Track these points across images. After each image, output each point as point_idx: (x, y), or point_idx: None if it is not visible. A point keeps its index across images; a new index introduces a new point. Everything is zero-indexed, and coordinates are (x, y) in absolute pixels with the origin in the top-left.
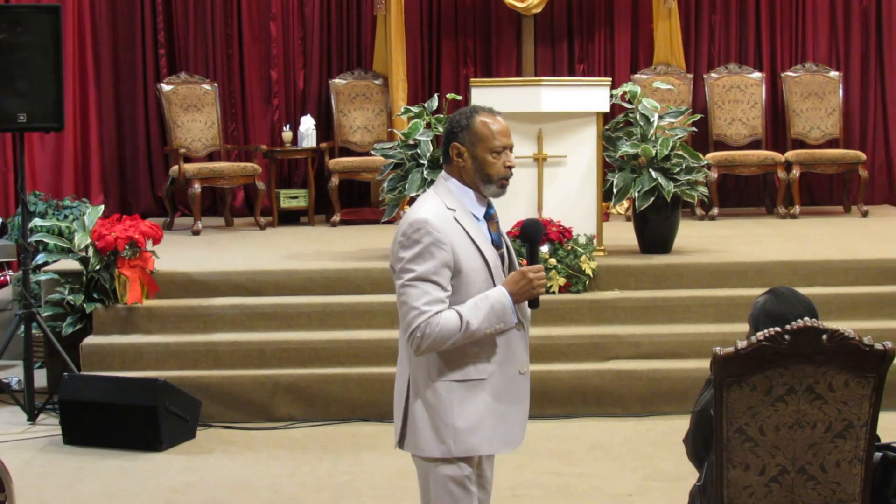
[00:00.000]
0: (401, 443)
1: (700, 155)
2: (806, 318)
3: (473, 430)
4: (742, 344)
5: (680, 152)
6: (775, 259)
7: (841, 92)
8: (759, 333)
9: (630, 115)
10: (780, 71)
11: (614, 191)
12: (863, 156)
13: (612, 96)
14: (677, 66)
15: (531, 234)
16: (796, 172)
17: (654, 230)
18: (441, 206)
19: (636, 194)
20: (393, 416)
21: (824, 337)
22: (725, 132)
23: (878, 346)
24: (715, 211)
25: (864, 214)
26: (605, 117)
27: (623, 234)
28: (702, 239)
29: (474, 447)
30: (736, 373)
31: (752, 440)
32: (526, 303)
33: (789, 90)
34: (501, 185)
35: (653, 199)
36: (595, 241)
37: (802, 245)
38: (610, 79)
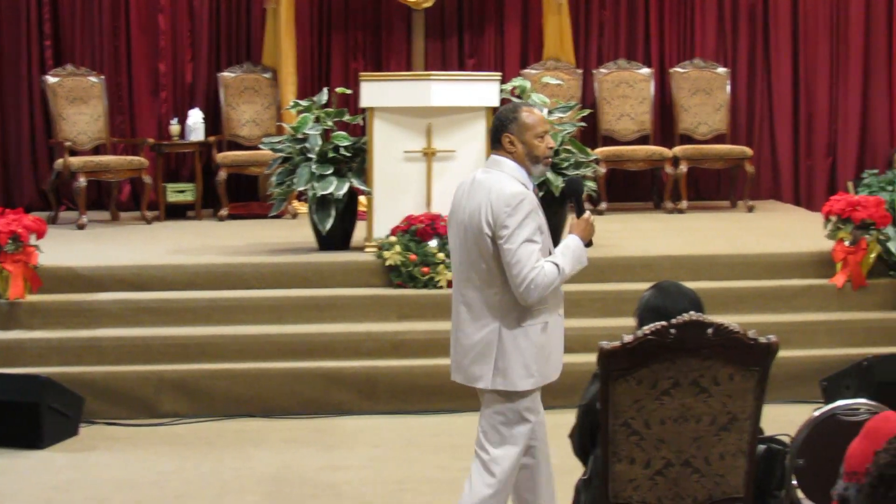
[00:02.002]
0: (491, 382)
1: (588, 150)
2: (691, 313)
3: (548, 361)
4: (628, 338)
5: (569, 147)
6: (662, 253)
7: (728, 88)
8: (645, 328)
9: None
10: (669, 67)
11: None
12: (749, 151)
13: (501, 91)
14: (567, 62)
15: (575, 188)
16: (683, 167)
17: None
18: (515, 181)
19: None
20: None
21: (709, 331)
22: (614, 127)
23: (763, 339)
24: (603, 205)
25: (750, 209)
26: (495, 112)
27: None
28: None
29: (550, 375)
30: (622, 367)
31: (638, 434)
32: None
33: (677, 86)
34: (546, 163)
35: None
36: None
37: (689, 239)
38: (500, 73)
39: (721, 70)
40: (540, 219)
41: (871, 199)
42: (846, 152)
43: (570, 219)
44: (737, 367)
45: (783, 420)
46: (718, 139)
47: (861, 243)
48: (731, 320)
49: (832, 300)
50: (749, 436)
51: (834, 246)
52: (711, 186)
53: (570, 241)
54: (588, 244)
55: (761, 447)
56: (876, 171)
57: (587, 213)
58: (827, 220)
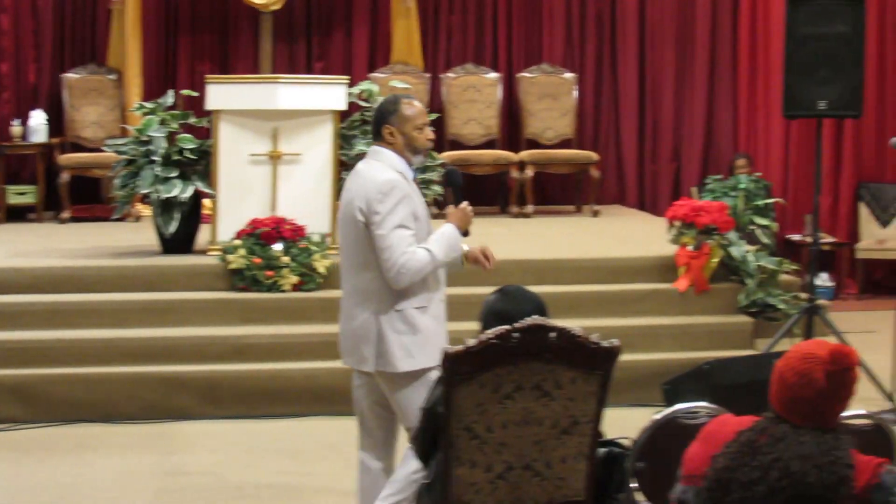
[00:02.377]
0: (374, 364)
1: (435, 154)
2: (535, 317)
3: (428, 343)
4: (471, 342)
5: None
6: (507, 258)
7: (575, 93)
8: (489, 331)
9: (367, 113)
10: (516, 72)
11: None
12: (595, 156)
13: (349, 95)
14: (415, 66)
15: (454, 179)
16: (530, 172)
17: None
18: (391, 169)
19: None
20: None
21: (552, 335)
22: (461, 132)
23: (605, 343)
24: (450, 209)
25: (596, 214)
26: (342, 116)
27: None
28: None
29: (436, 356)
30: (465, 371)
31: (480, 437)
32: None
33: (524, 91)
34: (426, 153)
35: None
36: (329, 240)
37: (534, 244)
38: (347, 77)
39: (568, 75)
40: (414, 206)
41: (714, 204)
42: (690, 158)
43: (449, 208)
44: (579, 370)
45: (625, 423)
46: (565, 144)
47: (704, 248)
48: (574, 324)
49: (675, 304)
50: (590, 439)
51: (677, 250)
52: (557, 191)
53: (446, 228)
54: (465, 233)
55: (602, 450)
56: (720, 176)
57: (464, 203)
58: (671, 224)
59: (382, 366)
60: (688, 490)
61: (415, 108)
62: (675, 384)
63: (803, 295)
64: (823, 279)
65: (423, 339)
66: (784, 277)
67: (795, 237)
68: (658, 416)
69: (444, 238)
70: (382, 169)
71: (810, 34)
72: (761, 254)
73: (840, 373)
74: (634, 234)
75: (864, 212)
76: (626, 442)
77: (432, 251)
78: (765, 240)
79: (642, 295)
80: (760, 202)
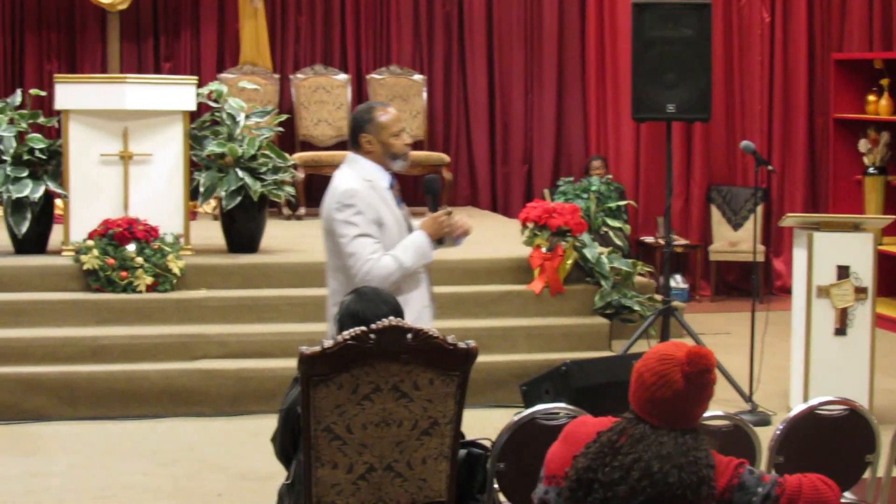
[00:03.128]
0: None
1: (286, 155)
2: (391, 318)
3: None
4: (328, 343)
5: (266, 152)
6: None
7: (425, 95)
8: (345, 333)
9: (216, 114)
10: (366, 73)
11: (201, 190)
12: (446, 158)
13: (198, 95)
14: (264, 67)
15: (432, 188)
16: None
17: (242, 229)
18: (360, 178)
19: (223, 193)
20: None
21: (409, 336)
22: (312, 133)
23: (462, 344)
24: (302, 211)
25: (449, 215)
26: (192, 116)
27: (210, 233)
28: (289, 238)
29: None
30: (322, 372)
31: (340, 438)
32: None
33: (374, 92)
34: (406, 158)
35: (240, 198)
36: (182, 241)
37: None
38: (196, 77)
39: (417, 77)
40: (379, 213)
41: (566, 206)
42: (542, 160)
43: (426, 214)
44: (437, 372)
45: (484, 424)
46: (416, 146)
47: (557, 250)
48: (432, 326)
49: (530, 306)
50: (450, 440)
51: (531, 252)
52: (410, 193)
53: (416, 235)
54: (439, 241)
55: (463, 451)
56: (571, 178)
57: (440, 212)
58: (524, 226)
59: None
60: (549, 490)
61: (389, 114)
62: (533, 385)
63: (658, 297)
64: (677, 281)
65: None
66: (638, 279)
67: (648, 239)
68: (517, 417)
69: (412, 245)
70: (348, 178)
71: (657, 38)
72: (615, 255)
73: (697, 374)
74: (488, 236)
75: (715, 214)
76: (486, 443)
77: (399, 257)
78: (618, 242)
79: (498, 296)
80: (612, 204)
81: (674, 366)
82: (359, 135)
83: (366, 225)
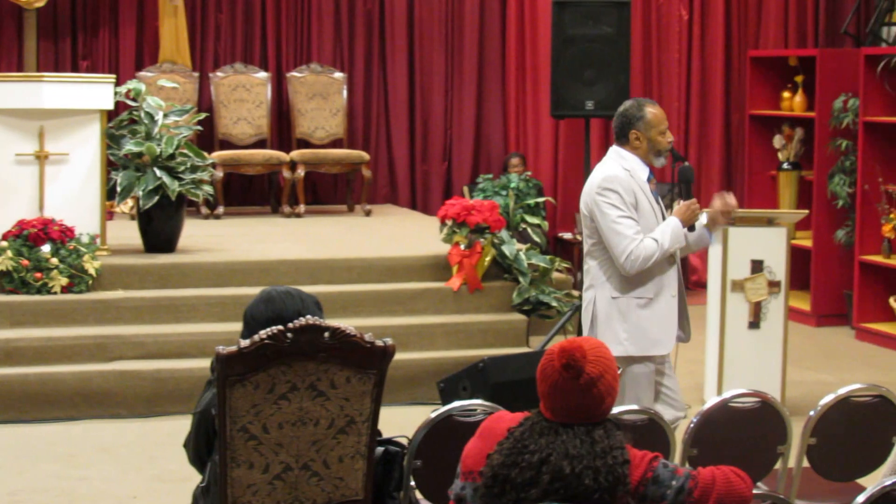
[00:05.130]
0: None
1: (205, 154)
2: (308, 317)
3: (645, 335)
4: (245, 343)
5: (185, 151)
6: (280, 258)
7: (345, 93)
8: (262, 332)
9: (135, 112)
10: (286, 71)
11: (118, 189)
12: (366, 156)
13: (116, 94)
14: (183, 65)
15: (686, 176)
16: (301, 172)
17: (159, 229)
18: (621, 168)
19: (140, 193)
20: None
21: (326, 334)
22: (231, 131)
23: (379, 342)
24: (220, 210)
25: (368, 213)
26: (110, 115)
27: (127, 232)
28: (207, 238)
29: (647, 349)
30: (239, 372)
31: (256, 438)
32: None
33: (294, 90)
34: (667, 155)
35: (157, 197)
36: (98, 241)
37: (307, 244)
38: (114, 76)
39: (338, 75)
40: (638, 199)
41: (485, 203)
42: (461, 157)
43: (678, 202)
44: (354, 370)
45: (401, 422)
46: (336, 144)
47: (476, 247)
48: (349, 324)
49: (448, 303)
50: (367, 438)
51: (450, 249)
52: (329, 191)
53: (670, 220)
54: (691, 228)
55: (380, 449)
56: (491, 175)
57: (692, 200)
58: (443, 223)
59: None
60: (466, 486)
61: (658, 112)
62: (450, 382)
63: (576, 292)
64: None
65: (634, 328)
66: (556, 275)
67: (566, 236)
68: (434, 414)
69: (668, 228)
70: (609, 166)
71: (576, 35)
72: (533, 252)
73: (570, 368)
74: (407, 234)
75: None
76: (403, 440)
77: (658, 240)
78: (536, 238)
79: (416, 294)
80: (531, 201)
81: (551, 360)
82: (629, 130)
83: (627, 208)
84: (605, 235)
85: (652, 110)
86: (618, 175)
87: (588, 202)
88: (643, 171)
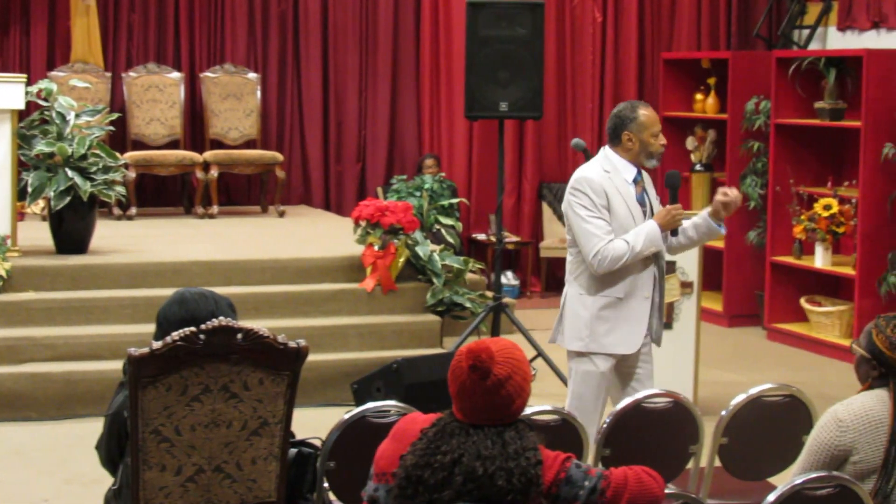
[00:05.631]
0: (554, 337)
1: (118, 154)
2: (221, 318)
3: (607, 333)
4: (157, 344)
5: (97, 151)
6: (193, 259)
7: (259, 93)
8: (174, 334)
9: (46, 112)
10: (199, 71)
11: (29, 190)
12: (280, 156)
13: (27, 93)
14: (95, 64)
15: (672, 182)
16: (214, 172)
17: (71, 230)
18: (600, 168)
19: (52, 194)
20: None
21: (239, 336)
22: (144, 132)
23: (293, 344)
24: (133, 211)
25: (281, 214)
26: (21, 115)
27: (39, 234)
28: (119, 239)
29: (606, 346)
30: (151, 374)
31: (169, 440)
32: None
33: (208, 91)
34: (658, 158)
35: (69, 198)
36: (9, 242)
37: (220, 245)
38: (25, 75)
39: (252, 75)
40: (611, 200)
41: (399, 204)
42: (375, 158)
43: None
44: (267, 371)
45: (315, 423)
46: (249, 144)
47: (390, 248)
48: (262, 325)
49: (362, 304)
50: (280, 440)
51: (364, 250)
52: (242, 191)
53: (647, 223)
54: (673, 233)
55: (293, 451)
56: (405, 176)
57: (676, 205)
58: (356, 225)
59: (560, 340)
60: (379, 488)
61: (651, 115)
62: (364, 383)
63: (489, 293)
64: (509, 277)
65: (597, 325)
66: (470, 276)
67: (480, 236)
68: (348, 416)
69: (643, 231)
70: (587, 167)
71: (491, 36)
72: (447, 253)
73: (477, 369)
74: (321, 235)
75: (547, 211)
76: (316, 442)
77: (630, 242)
78: (450, 239)
79: (330, 295)
80: (445, 202)
81: (458, 361)
82: (622, 132)
83: (596, 209)
84: (576, 234)
85: (645, 112)
86: (588, 176)
87: (564, 201)
88: (629, 173)
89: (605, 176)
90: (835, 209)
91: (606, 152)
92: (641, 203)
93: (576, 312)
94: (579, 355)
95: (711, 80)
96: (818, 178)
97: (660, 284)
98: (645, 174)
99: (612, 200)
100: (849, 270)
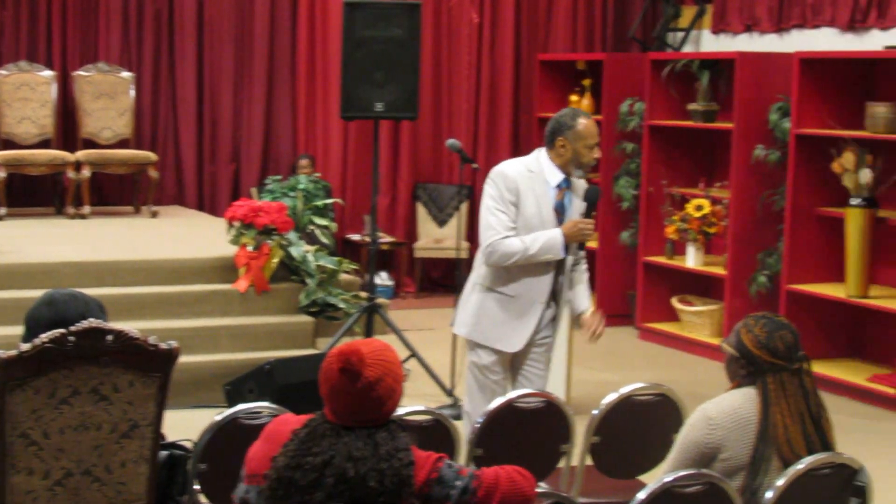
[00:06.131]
0: (452, 322)
1: None
2: (91, 320)
3: (491, 327)
4: (25, 347)
5: None
6: (64, 260)
7: (132, 93)
8: (43, 336)
9: None
10: (72, 70)
11: None
12: (154, 156)
13: None
14: None
15: (592, 197)
16: (87, 172)
17: None
18: (522, 165)
19: None
20: None
21: (109, 337)
22: (15, 131)
23: (164, 345)
24: (2, 211)
25: (154, 215)
26: None
27: None
28: None
29: (488, 340)
30: (19, 376)
31: (37, 444)
32: (577, 246)
33: (81, 90)
34: (587, 169)
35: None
36: None
37: (92, 246)
38: None
39: (126, 75)
40: (521, 198)
41: (273, 205)
42: (250, 159)
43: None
44: (137, 373)
45: (187, 425)
46: (123, 144)
47: (263, 248)
48: (134, 326)
49: (236, 305)
50: (151, 442)
51: (237, 251)
52: (115, 191)
53: (552, 231)
54: (580, 246)
55: (164, 453)
56: (279, 177)
57: (587, 220)
58: (230, 225)
59: (453, 324)
60: (250, 489)
61: (589, 127)
62: (236, 385)
63: (363, 294)
64: (383, 278)
65: (483, 317)
66: (344, 277)
67: (355, 237)
68: (219, 417)
69: (544, 237)
70: (509, 162)
71: (367, 37)
72: (321, 254)
73: (347, 371)
74: (194, 235)
75: (421, 212)
76: (188, 444)
77: (527, 243)
78: (324, 240)
79: (202, 296)
80: (320, 203)
81: (329, 363)
82: (557, 136)
83: (504, 204)
84: (480, 221)
85: (584, 122)
86: (505, 171)
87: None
88: (554, 178)
89: (527, 175)
90: (707, 210)
91: (539, 153)
92: (560, 210)
93: (468, 300)
94: (470, 345)
95: (586, 82)
96: (691, 180)
97: (563, 294)
98: (577, 184)
99: (522, 199)
100: (720, 270)
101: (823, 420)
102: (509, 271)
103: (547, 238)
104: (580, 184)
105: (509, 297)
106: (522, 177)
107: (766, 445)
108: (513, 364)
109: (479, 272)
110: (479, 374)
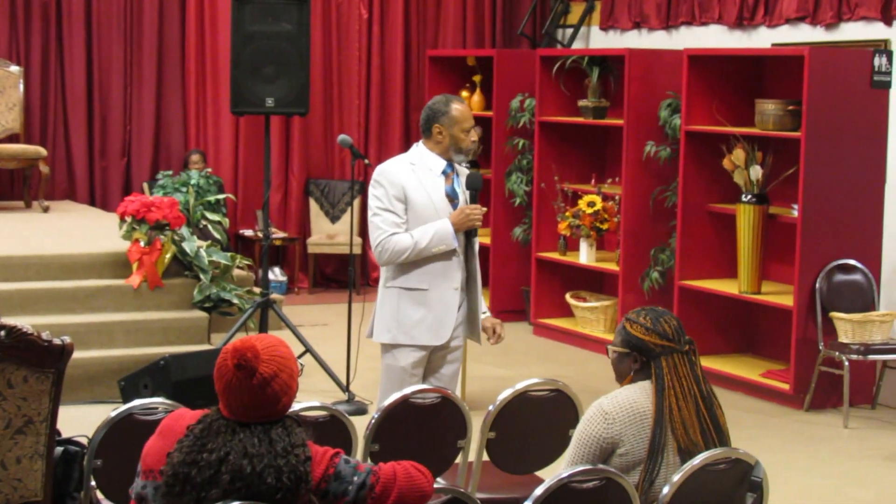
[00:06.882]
0: (370, 333)
1: None
2: None
3: (413, 325)
4: None
5: None
6: None
7: (21, 87)
8: None
9: None
10: None
11: None
12: (44, 151)
13: None
14: None
15: (474, 183)
16: None
17: None
18: (404, 161)
19: None
20: None
21: (1, 333)
22: None
23: (57, 341)
24: None
25: (46, 210)
26: None
27: None
28: None
29: (414, 338)
30: None
31: None
32: (470, 233)
33: None
34: (467, 153)
35: None
36: None
37: None
38: None
39: (14, 69)
40: (407, 192)
41: (165, 200)
42: (141, 153)
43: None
44: (31, 369)
45: (82, 421)
46: (12, 139)
47: (156, 244)
48: (26, 322)
49: (129, 300)
50: (46, 438)
51: (129, 246)
52: (6, 187)
53: (440, 222)
54: (472, 233)
55: (59, 449)
56: (171, 172)
57: (473, 206)
58: (122, 220)
59: (371, 334)
60: (147, 485)
61: (464, 110)
62: (131, 380)
63: (257, 289)
64: (276, 274)
65: (403, 316)
66: (237, 272)
67: (248, 232)
68: (114, 413)
69: (433, 229)
70: (392, 160)
71: (257, 32)
72: (214, 249)
73: (242, 367)
74: (86, 230)
75: (314, 207)
76: (83, 440)
77: (416, 238)
78: (217, 235)
79: (95, 291)
80: (212, 198)
81: (224, 359)
82: (433, 124)
83: (390, 202)
84: (368, 225)
85: (458, 107)
86: (387, 169)
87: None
88: (437, 166)
89: (409, 168)
90: (599, 206)
91: (418, 146)
92: (452, 195)
93: (384, 303)
94: (385, 349)
95: (477, 78)
96: (582, 176)
97: (472, 280)
98: (460, 169)
99: (410, 193)
100: (613, 266)
101: (715, 406)
102: (416, 264)
103: (436, 229)
104: (462, 171)
105: (423, 290)
106: (406, 172)
107: (662, 430)
108: (428, 368)
109: (385, 274)
110: (398, 378)
